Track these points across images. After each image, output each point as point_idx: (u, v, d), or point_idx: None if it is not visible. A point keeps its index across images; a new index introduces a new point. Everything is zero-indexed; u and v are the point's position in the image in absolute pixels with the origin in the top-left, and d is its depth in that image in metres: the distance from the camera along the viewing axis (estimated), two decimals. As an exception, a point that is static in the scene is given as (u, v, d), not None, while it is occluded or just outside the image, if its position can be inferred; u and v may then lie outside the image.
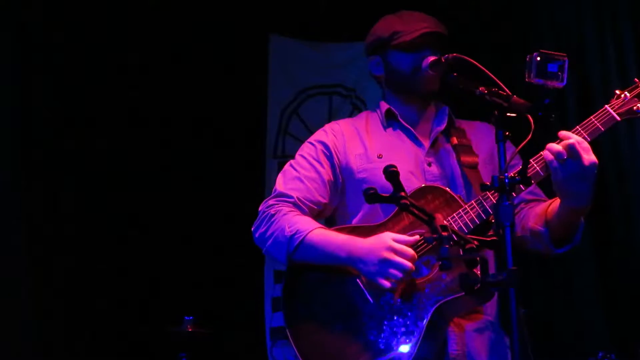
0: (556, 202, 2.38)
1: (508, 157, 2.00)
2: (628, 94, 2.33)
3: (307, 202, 2.58)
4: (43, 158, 4.24)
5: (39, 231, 4.15)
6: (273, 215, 2.53)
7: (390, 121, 2.71)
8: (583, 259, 3.86)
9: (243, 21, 4.81)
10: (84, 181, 4.41)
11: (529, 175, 2.26)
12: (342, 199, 2.66)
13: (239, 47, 4.83)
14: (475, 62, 2.27)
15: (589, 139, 2.27)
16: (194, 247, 4.63)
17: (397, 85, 2.70)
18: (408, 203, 2.01)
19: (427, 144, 2.65)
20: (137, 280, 4.48)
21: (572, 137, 2.23)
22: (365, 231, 2.45)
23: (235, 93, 4.80)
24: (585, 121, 2.32)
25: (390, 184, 2.04)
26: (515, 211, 2.52)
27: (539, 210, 2.47)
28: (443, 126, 2.66)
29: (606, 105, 2.33)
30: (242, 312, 4.65)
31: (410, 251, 2.29)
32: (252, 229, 2.59)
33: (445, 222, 2.01)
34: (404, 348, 2.28)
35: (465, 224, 2.34)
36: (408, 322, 2.31)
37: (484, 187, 2.03)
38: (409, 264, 2.27)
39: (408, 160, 2.60)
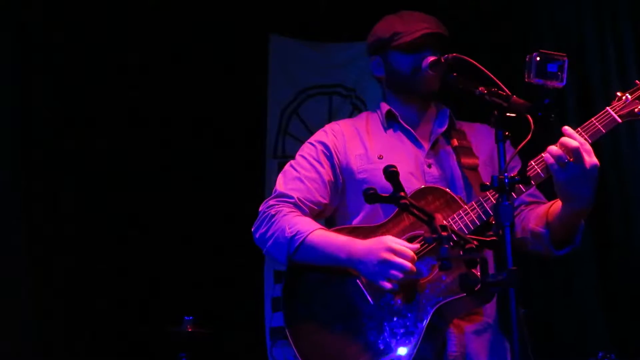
0: (557, 204, 2.38)
1: (508, 158, 1.99)
2: (629, 96, 2.32)
3: (308, 203, 2.58)
4: (43, 158, 4.24)
5: (39, 231, 4.15)
6: (273, 215, 2.53)
7: (390, 122, 2.71)
8: (583, 260, 3.86)
9: (243, 21, 4.81)
10: (84, 181, 4.41)
11: (529, 176, 2.26)
12: (343, 200, 2.65)
13: (239, 47, 4.83)
14: (475, 62, 2.27)
15: (590, 141, 2.26)
16: (194, 247, 4.63)
17: (398, 85, 2.70)
18: (408, 203, 2.01)
19: (427, 145, 2.64)
20: (137, 280, 4.48)
21: (574, 138, 2.22)
22: (365, 232, 2.45)
23: (235, 93, 4.80)
24: (587, 123, 2.31)
25: (390, 184, 2.04)
26: (516, 213, 2.52)
27: (539, 212, 2.46)
28: (444, 128, 2.66)
29: (607, 107, 2.32)
30: (242, 312, 4.65)
31: (410, 252, 2.29)
32: (253, 229, 2.59)
33: (445, 222, 2.01)
34: (404, 349, 2.28)
35: (466, 225, 2.34)
36: (408, 323, 2.31)
37: (483, 187, 2.03)
38: (409, 264, 2.27)
39: (408, 161, 2.59)
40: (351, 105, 4.92)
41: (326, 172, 2.62)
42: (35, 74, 4.25)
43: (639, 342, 3.69)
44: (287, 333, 2.43)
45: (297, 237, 2.44)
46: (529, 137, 1.99)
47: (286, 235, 2.46)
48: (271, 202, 2.58)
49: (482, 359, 2.42)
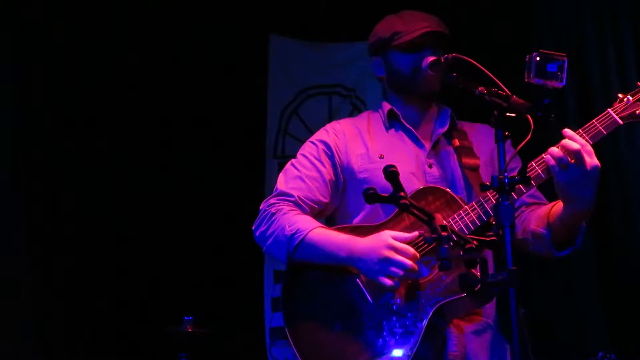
0: (558, 205, 2.38)
1: (508, 158, 1.99)
2: (631, 98, 2.32)
3: (308, 201, 2.58)
4: (43, 158, 4.24)
5: (39, 231, 4.15)
6: (274, 214, 2.53)
7: (392, 122, 2.71)
8: (583, 260, 3.86)
9: (243, 21, 4.81)
10: (84, 181, 4.41)
11: (531, 177, 2.26)
12: (343, 199, 2.65)
13: (239, 47, 4.83)
14: (474, 62, 2.27)
15: (591, 142, 2.26)
16: (194, 247, 4.63)
17: (399, 85, 2.70)
18: (408, 203, 2.01)
19: (428, 145, 2.64)
20: (137, 280, 4.48)
21: (575, 140, 2.22)
22: (365, 231, 2.45)
23: (235, 93, 4.80)
24: (588, 124, 2.31)
25: (390, 184, 2.04)
26: (517, 214, 2.53)
27: (541, 213, 2.46)
28: (445, 128, 2.66)
29: (609, 109, 2.32)
30: (242, 312, 4.65)
31: (411, 250, 2.29)
32: (253, 227, 2.59)
33: (445, 222, 2.01)
34: (403, 348, 2.28)
35: (466, 225, 2.34)
36: (407, 323, 2.31)
37: (483, 187, 2.03)
38: (410, 262, 2.27)
39: (409, 161, 2.59)
40: (351, 105, 4.92)
41: (327, 171, 2.62)
42: (35, 74, 4.26)
43: (639, 342, 3.69)
44: (287, 332, 2.43)
45: (297, 235, 2.44)
46: (529, 137, 1.99)
47: (286, 233, 2.46)
48: (272, 201, 2.58)
49: (482, 359, 2.42)
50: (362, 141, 2.67)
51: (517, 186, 2.25)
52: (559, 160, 2.22)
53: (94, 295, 4.31)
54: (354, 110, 4.86)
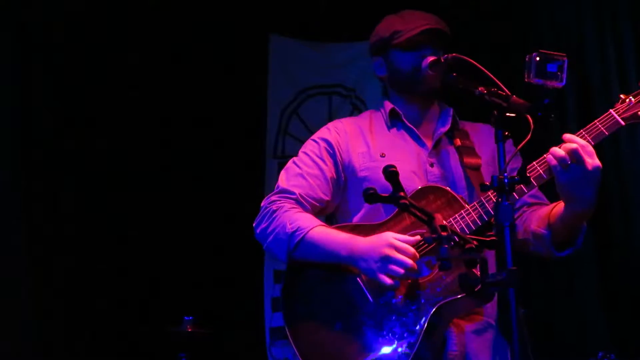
0: (560, 206, 2.38)
1: (508, 158, 1.99)
2: (633, 99, 2.32)
3: (309, 199, 2.58)
4: (43, 158, 4.24)
5: (39, 231, 4.15)
6: (275, 211, 2.53)
7: (394, 121, 2.71)
8: (584, 260, 3.86)
9: (243, 21, 4.81)
10: (84, 181, 4.41)
11: (532, 178, 2.27)
12: (344, 197, 2.66)
13: (239, 47, 4.83)
14: (474, 62, 2.27)
15: (592, 143, 2.27)
16: (194, 247, 4.63)
17: (400, 84, 2.70)
18: (407, 203, 2.01)
19: (430, 144, 2.65)
20: (137, 280, 4.48)
21: (576, 141, 2.23)
22: (366, 230, 2.45)
23: (235, 93, 4.80)
24: (590, 125, 2.31)
25: (390, 184, 2.04)
26: (518, 214, 2.53)
27: (542, 213, 2.46)
28: (447, 127, 2.66)
29: (611, 110, 2.32)
30: (242, 312, 4.65)
31: (411, 249, 2.29)
32: (254, 224, 2.59)
33: (445, 222, 2.01)
34: (403, 348, 2.28)
35: (467, 225, 2.35)
36: (408, 322, 2.31)
37: (483, 187, 2.03)
38: (410, 261, 2.27)
39: (410, 160, 2.60)
40: (351, 105, 4.92)
41: (328, 170, 2.62)
42: (35, 74, 4.26)
43: (639, 342, 3.69)
44: (287, 332, 2.43)
45: (297, 233, 2.45)
46: (529, 137, 1.99)
47: (287, 231, 2.46)
48: (273, 198, 2.58)
49: (483, 359, 2.42)
50: (363, 140, 2.67)
51: (518, 186, 2.27)
52: (560, 160, 2.22)
53: (94, 295, 4.31)
54: (354, 110, 4.86)
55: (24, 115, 4.18)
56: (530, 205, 2.55)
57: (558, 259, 2.45)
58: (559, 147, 2.24)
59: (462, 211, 2.38)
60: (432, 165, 2.60)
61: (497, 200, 1.94)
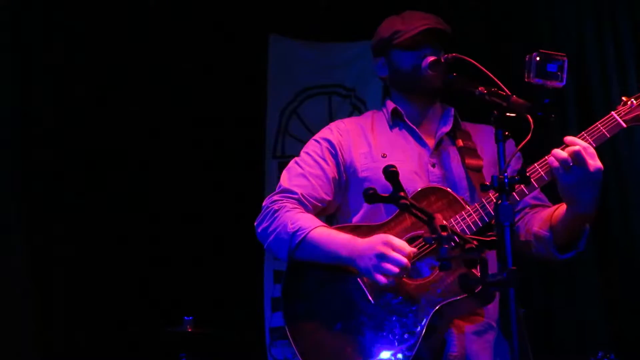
0: (562, 208, 2.38)
1: (509, 158, 1.99)
2: (634, 101, 2.32)
3: (311, 199, 2.58)
4: (43, 158, 4.24)
5: (39, 231, 4.15)
6: (276, 211, 2.53)
7: (396, 120, 2.71)
8: (584, 259, 3.86)
9: (243, 21, 4.81)
10: (84, 181, 4.41)
11: (533, 179, 2.27)
12: (345, 197, 2.65)
13: (239, 47, 4.83)
14: (474, 62, 2.27)
15: (594, 145, 2.26)
16: (194, 246, 4.64)
17: (401, 84, 2.70)
18: (407, 203, 2.01)
19: (431, 144, 2.64)
20: (137, 280, 4.48)
21: (577, 143, 2.23)
22: (367, 230, 2.45)
23: (235, 93, 4.80)
24: (591, 127, 2.31)
25: (390, 184, 2.04)
26: (520, 216, 2.53)
27: (544, 215, 2.46)
28: (448, 127, 2.66)
29: (612, 112, 2.32)
30: (242, 312, 4.65)
31: (408, 248, 2.28)
32: (255, 223, 2.59)
33: (445, 222, 2.01)
34: (403, 349, 2.28)
35: (468, 227, 2.34)
36: (408, 323, 2.31)
37: (484, 187, 2.03)
38: (404, 260, 2.26)
39: (412, 160, 2.59)
40: (351, 105, 4.92)
41: (330, 170, 2.62)
42: (35, 74, 4.26)
43: (639, 342, 3.70)
44: (287, 331, 2.43)
45: (299, 233, 2.44)
46: (529, 137, 1.99)
47: (288, 230, 2.46)
48: (275, 198, 2.58)
49: (482, 360, 2.42)
50: (365, 139, 2.67)
51: (518, 188, 2.27)
52: (562, 161, 2.22)
53: (93, 295, 4.31)
54: (354, 110, 4.86)
55: (24, 115, 4.18)
56: (532, 207, 2.55)
57: (560, 262, 2.44)
58: (561, 149, 2.24)
59: (462, 212, 2.37)
60: (433, 165, 2.60)
61: (497, 200, 1.94)
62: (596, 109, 3.88)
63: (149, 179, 4.63)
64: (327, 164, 2.63)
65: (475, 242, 1.98)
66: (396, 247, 2.28)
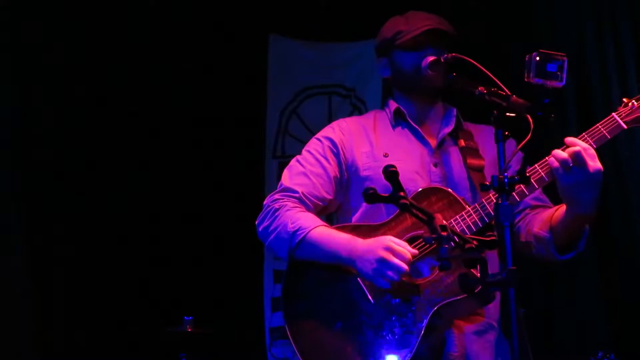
0: (562, 209, 2.38)
1: (509, 158, 1.99)
2: (635, 103, 2.32)
3: (312, 198, 2.58)
4: (43, 158, 4.24)
5: (39, 231, 4.15)
6: (277, 209, 2.53)
7: (398, 120, 2.71)
8: (584, 259, 3.85)
9: (243, 21, 4.81)
10: (84, 181, 4.41)
11: (534, 180, 2.27)
12: (346, 196, 2.66)
13: (239, 47, 4.83)
14: (474, 62, 2.27)
15: (595, 146, 2.27)
16: (195, 246, 4.64)
17: (403, 84, 2.70)
18: (407, 203, 2.01)
19: (433, 144, 2.64)
20: (137, 280, 4.48)
21: (578, 144, 2.23)
22: (367, 230, 2.45)
23: (235, 93, 4.80)
24: (592, 128, 2.31)
25: (390, 184, 2.04)
26: (521, 217, 2.53)
27: (544, 216, 2.46)
28: (450, 128, 2.66)
29: (613, 113, 2.32)
30: (242, 312, 4.65)
31: (408, 254, 2.28)
32: (256, 222, 2.59)
33: (445, 222, 2.00)
34: (403, 349, 2.28)
35: (468, 227, 2.34)
36: (408, 323, 2.31)
37: (484, 187, 2.03)
38: (405, 266, 2.26)
39: (414, 160, 2.59)
40: (351, 105, 4.92)
41: (332, 168, 2.62)
42: (35, 74, 4.26)
43: (639, 342, 3.70)
44: (287, 331, 2.43)
45: (299, 232, 2.45)
46: (529, 136, 1.99)
47: (288, 230, 2.46)
48: (276, 196, 2.58)
49: (482, 360, 2.42)
50: (367, 139, 2.67)
51: (518, 188, 2.27)
52: (562, 162, 2.22)
53: (93, 295, 4.32)
54: (354, 110, 4.86)
55: (24, 115, 4.18)
56: (533, 207, 2.55)
57: (560, 263, 2.44)
58: (561, 150, 2.24)
59: (463, 212, 2.37)
60: (435, 165, 2.60)
61: (497, 200, 1.94)
62: (596, 109, 3.88)
63: (149, 179, 4.63)
64: (329, 163, 2.63)
65: (475, 242, 1.98)
66: (397, 252, 2.28)
